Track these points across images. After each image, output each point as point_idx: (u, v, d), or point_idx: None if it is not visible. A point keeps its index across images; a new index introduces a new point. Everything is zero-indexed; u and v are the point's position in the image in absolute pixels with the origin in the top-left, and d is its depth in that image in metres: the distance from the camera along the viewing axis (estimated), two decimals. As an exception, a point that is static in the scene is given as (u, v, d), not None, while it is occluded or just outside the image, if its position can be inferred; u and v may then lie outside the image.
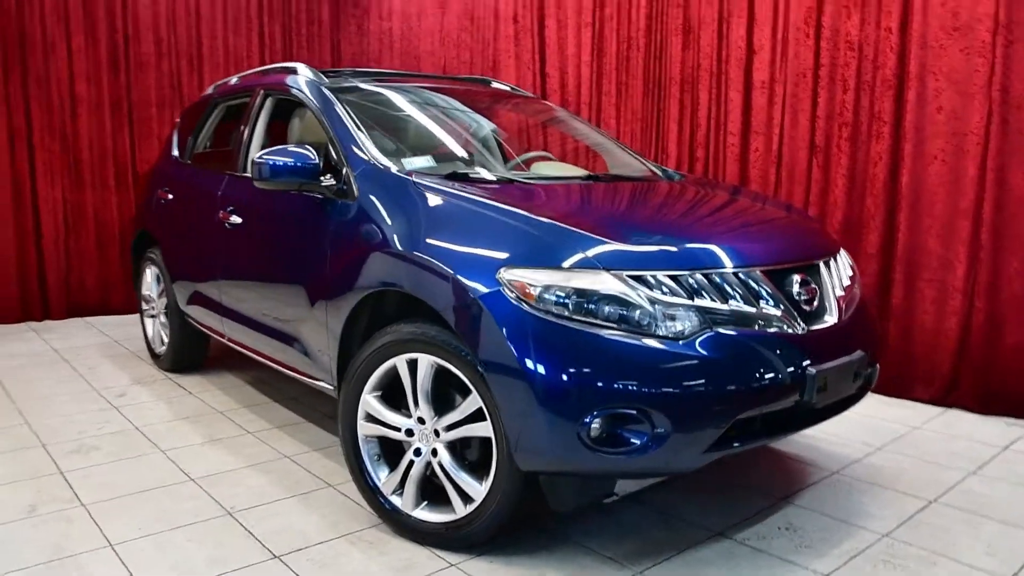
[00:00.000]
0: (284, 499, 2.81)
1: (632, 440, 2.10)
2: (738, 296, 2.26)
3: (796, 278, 2.41)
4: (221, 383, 4.23)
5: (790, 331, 2.30)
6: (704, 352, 2.14)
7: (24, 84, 5.50)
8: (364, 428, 2.56)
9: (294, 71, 3.44)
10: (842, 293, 2.59)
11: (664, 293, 2.18)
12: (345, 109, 3.07)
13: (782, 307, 2.32)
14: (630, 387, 2.06)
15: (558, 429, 2.08)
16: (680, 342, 2.13)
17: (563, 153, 3.78)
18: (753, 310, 2.26)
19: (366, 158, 2.84)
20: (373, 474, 2.58)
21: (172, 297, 4.14)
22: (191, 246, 3.87)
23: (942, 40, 3.81)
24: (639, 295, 2.14)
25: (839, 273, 2.67)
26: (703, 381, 2.11)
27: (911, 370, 4.04)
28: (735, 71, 4.53)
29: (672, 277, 2.21)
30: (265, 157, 2.81)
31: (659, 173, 3.53)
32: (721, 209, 2.90)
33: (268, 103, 3.58)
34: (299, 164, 2.81)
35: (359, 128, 2.98)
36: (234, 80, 4.10)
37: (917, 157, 3.92)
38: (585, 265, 2.18)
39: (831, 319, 2.46)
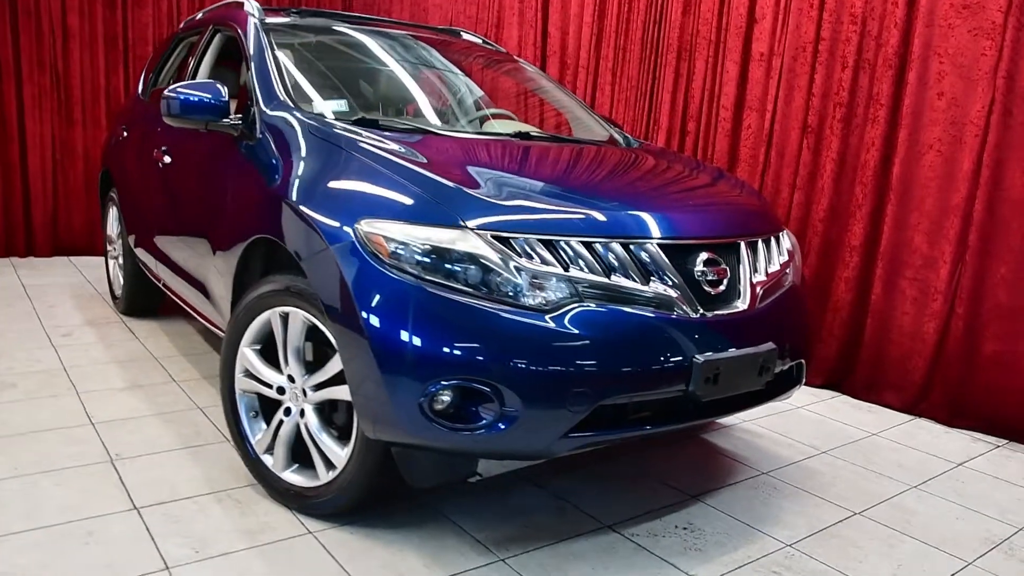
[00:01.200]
0: (174, 450, 2.73)
1: (480, 417, 1.94)
2: (623, 270, 2.07)
3: (702, 256, 2.20)
4: (171, 329, 4.19)
5: (680, 313, 2.11)
6: (567, 327, 1.96)
7: (13, 14, 5.46)
8: (240, 382, 2.46)
9: (240, 5, 3.31)
10: (763, 279, 2.37)
11: (532, 259, 2.00)
12: (271, 47, 2.93)
13: (676, 286, 2.12)
14: (478, 358, 1.90)
15: (399, 398, 1.93)
16: (544, 314, 1.95)
17: (523, 112, 3.57)
18: (637, 286, 2.07)
19: (276, 98, 2.70)
20: (248, 431, 2.47)
21: (125, 238, 4.10)
22: (138, 186, 3.80)
23: (951, 18, 3.46)
24: (501, 259, 1.97)
25: (767, 256, 2.44)
26: (561, 359, 1.93)
27: (883, 374, 3.76)
28: (734, 40, 4.23)
29: (546, 242, 2.03)
30: (173, 91, 2.70)
31: (617, 139, 3.32)
32: (643, 177, 2.68)
33: (216, 39, 3.46)
34: (205, 100, 2.69)
35: (277, 67, 2.85)
36: (199, 15, 3.99)
37: (912, 145, 3.60)
38: (447, 222, 2.01)
39: (741, 305, 2.25)
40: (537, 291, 1.97)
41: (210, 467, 2.61)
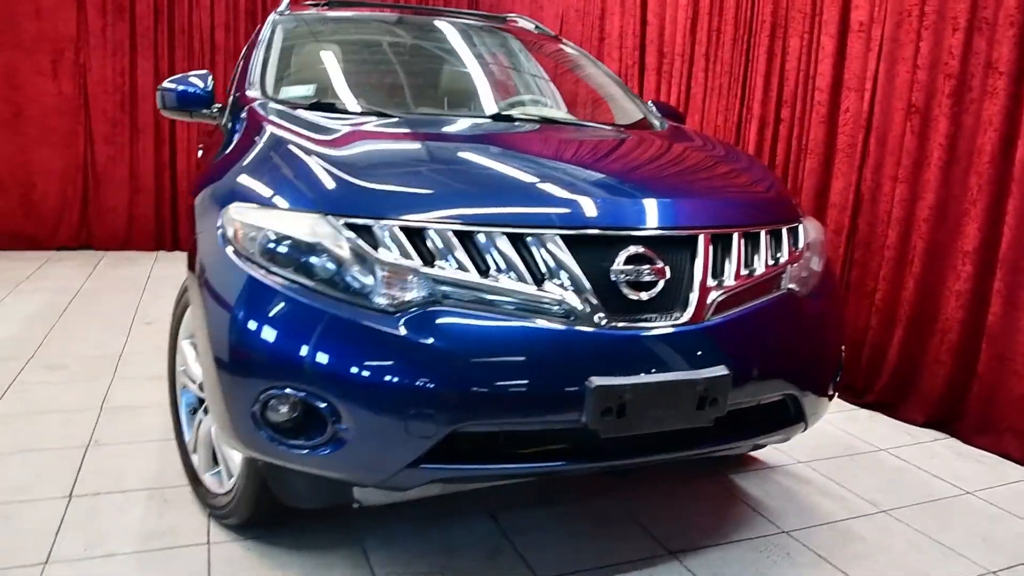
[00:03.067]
0: (153, 441, 2.75)
1: (312, 433, 1.70)
2: (507, 267, 1.72)
3: (626, 252, 1.79)
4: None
5: (577, 324, 1.71)
6: (415, 335, 1.65)
7: (171, 31, 6.08)
8: (179, 377, 2.40)
9: None
10: (732, 283, 1.89)
11: (391, 250, 1.70)
12: (269, 38, 2.88)
13: (578, 289, 1.73)
14: (308, 364, 1.65)
15: (233, 405, 1.74)
16: (392, 317, 1.66)
17: (550, 98, 3.24)
18: (520, 288, 1.70)
19: (252, 85, 2.62)
20: (185, 427, 2.41)
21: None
22: None
23: (1096, -44, 2.67)
24: (352, 250, 1.70)
25: (749, 254, 1.96)
26: (404, 372, 1.63)
27: (1001, 414, 2.98)
28: (830, 10, 3.59)
29: (411, 231, 1.72)
30: (164, 85, 2.73)
31: (653, 122, 2.93)
32: (603, 161, 2.26)
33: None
34: (187, 92, 2.69)
35: (266, 57, 2.78)
36: None
37: (1041, 123, 2.82)
38: (303, 206, 1.78)
39: (682, 315, 1.81)
40: (391, 290, 1.68)
41: (171, 463, 2.59)
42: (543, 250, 1.74)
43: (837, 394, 2.34)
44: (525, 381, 1.66)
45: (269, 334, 1.68)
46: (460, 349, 1.66)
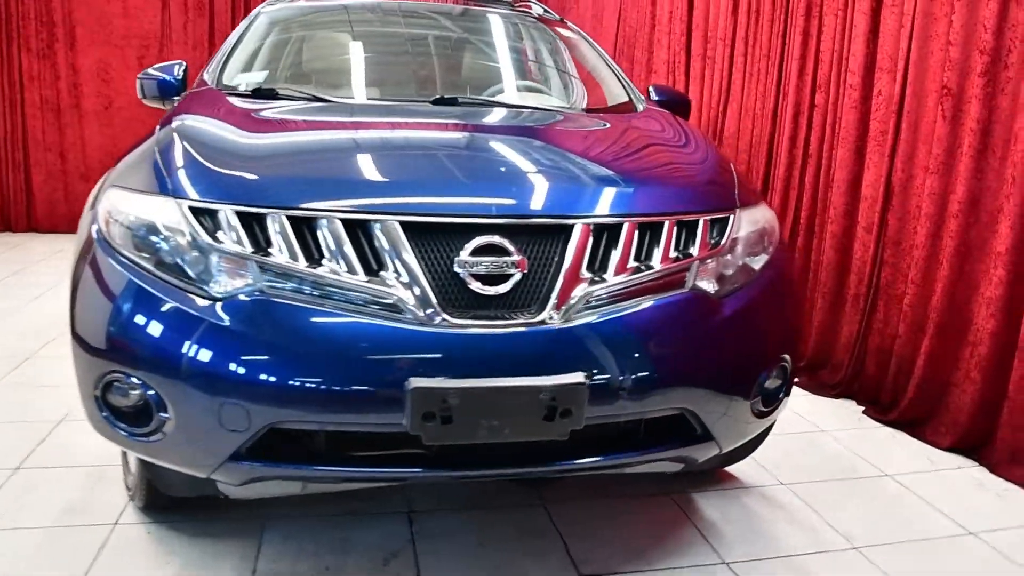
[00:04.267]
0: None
1: (143, 420, 1.67)
2: (339, 254, 1.62)
3: (475, 242, 1.65)
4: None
5: (404, 319, 1.60)
6: (232, 323, 1.60)
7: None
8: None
9: None
10: (610, 280, 1.70)
11: (227, 235, 1.65)
12: (246, 26, 2.94)
13: (412, 281, 1.61)
14: (138, 350, 1.63)
15: (82, 387, 1.75)
16: (214, 305, 1.62)
17: (530, 81, 3.08)
18: (348, 278, 1.61)
19: (209, 73, 2.67)
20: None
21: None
22: None
23: None
24: (191, 234, 1.66)
25: (631, 248, 1.76)
26: (216, 361, 1.58)
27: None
28: (865, -18, 3.23)
29: (249, 216, 1.66)
30: (142, 74, 2.83)
31: (636, 105, 2.76)
32: (504, 143, 2.12)
33: None
34: (163, 80, 2.76)
35: (236, 44, 2.83)
36: None
37: (1083, 102, 2.40)
38: (158, 190, 1.76)
39: (538, 314, 1.65)
40: (223, 277, 1.64)
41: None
42: (382, 239, 1.63)
43: (778, 408, 2.06)
44: (342, 379, 1.57)
45: (108, 316, 1.68)
46: (276, 341, 1.59)
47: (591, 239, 1.71)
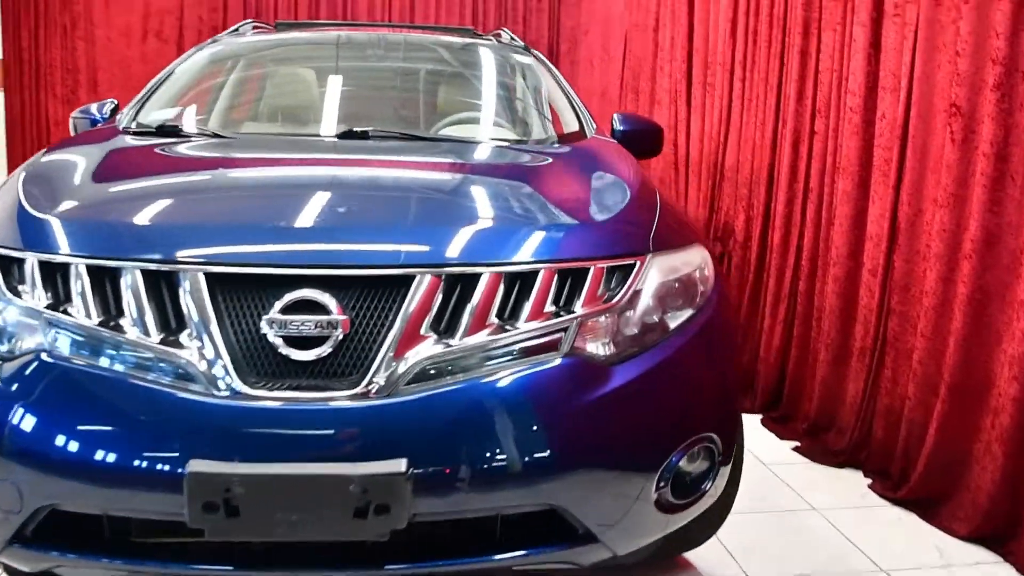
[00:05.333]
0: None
1: None
2: (135, 310, 1.35)
3: (288, 297, 1.34)
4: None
5: (191, 387, 1.31)
6: (10, 389, 1.35)
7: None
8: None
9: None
10: (456, 343, 1.36)
11: (28, 287, 1.41)
12: (178, 64, 2.74)
13: (208, 341, 1.32)
14: None
15: None
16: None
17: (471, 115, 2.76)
18: (138, 338, 1.34)
19: (127, 111, 2.48)
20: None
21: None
22: None
23: None
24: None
25: (491, 303, 1.41)
26: None
27: None
28: (865, -10, 2.84)
29: (51, 266, 1.42)
30: (75, 113, 2.69)
31: (586, 134, 2.42)
32: (368, 183, 1.85)
33: None
34: (89, 119, 2.59)
35: (162, 81, 2.63)
36: None
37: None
38: None
39: (353, 387, 1.32)
40: (17, 333, 1.39)
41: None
42: (186, 293, 1.34)
43: (730, 493, 1.66)
44: (117, 457, 1.26)
45: None
46: (50, 410, 1.32)
47: (439, 294, 1.39)
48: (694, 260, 1.66)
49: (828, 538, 2.40)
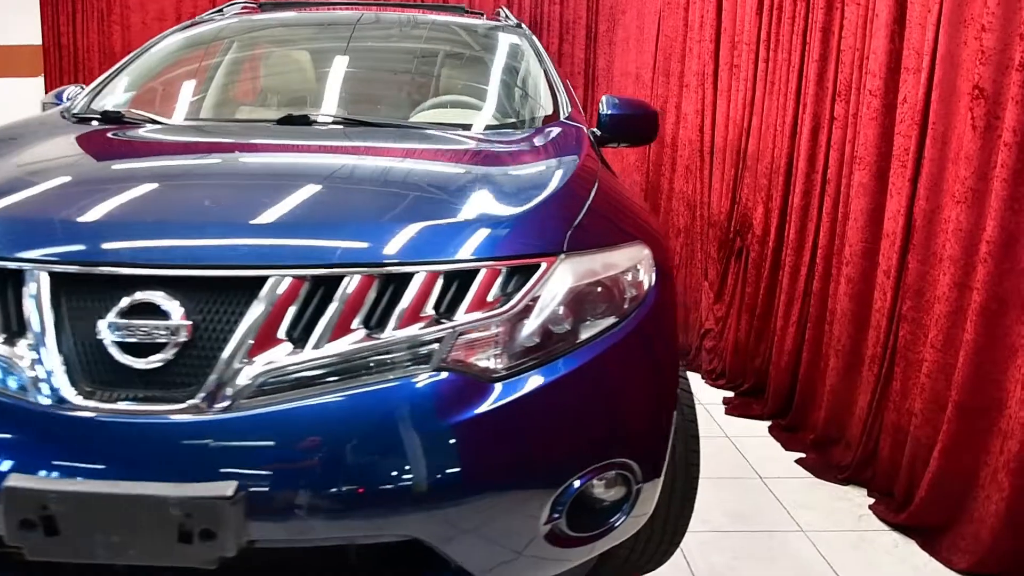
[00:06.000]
0: None
1: None
2: None
3: (127, 300, 1.22)
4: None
5: (22, 393, 1.20)
6: None
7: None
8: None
9: None
10: (310, 354, 1.22)
11: None
12: (151, 45, 2.64)
13: (38, 345, 1.21)
14: None
15: None
16: None
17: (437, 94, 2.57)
18: None
19: (84, 96, 2.38)
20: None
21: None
22: None
23: None
24: None
25: (358, 308, 1.26)
26: None
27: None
28: (892, -39, 2.55)
29: None
30: (44, 99, 2.64)
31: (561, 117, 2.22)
32: (271, 175, 1.70)
33: None
34: (52, 102, 2.51)
35: (129, 63, 2.52)
36: None
37: None
38: None
39: (188, 399, 1.19)
40: None
41: None
42: (28, 293, 1.23)
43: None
44: None
45: None
46: None
47: (298, 297, 1.24)
48: (622, 261, 1.46)
49: (809, 565, 2.18)
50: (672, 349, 1.58)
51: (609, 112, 2.42)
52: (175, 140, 1.99)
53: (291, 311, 1.22)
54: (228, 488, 1.12)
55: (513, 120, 2.29)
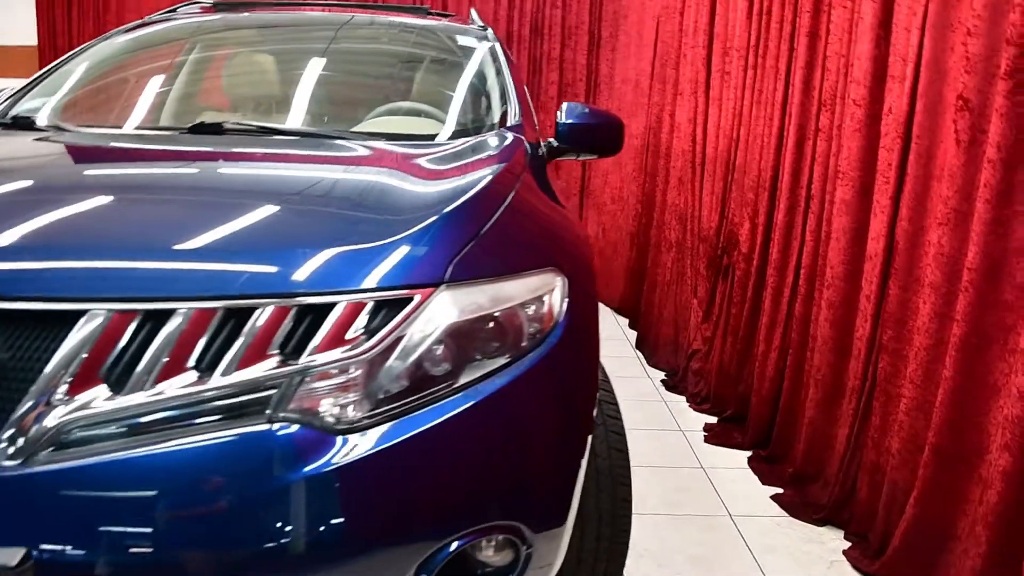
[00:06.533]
0: None
1: None
2: None
3: None
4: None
5: None
6: None
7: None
8: None
9: None
10: (120, 404, 1.06)
11: None
12: (87, 47, 2.51)
13: None
14: None
15: None
16: None
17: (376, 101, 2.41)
18: None
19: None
20: None
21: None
22: None
23: None
24: None
25: (195, 347, 1.10)
26: None
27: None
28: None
29: None
30: None
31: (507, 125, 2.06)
32: (133, 189, 1.51)
33: None
34: None
35: (59, 66, 2.41)
36: None
37: None
38: None
39: None
40: None
41: None
42: None
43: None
44: None
45: None
46: None
47: (123, 334, 1.08)
48: (520, 293, 1.27)
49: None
50: (586, 390, 1.40)
51: (567, 121, 2.24)
52: (53, 149, 1.82)
53: (114, 350, 1.06)
54: (14, 556, 0.96)
55: (453, 129, 2.12)
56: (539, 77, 6.20)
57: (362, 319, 1.14)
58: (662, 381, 3.88)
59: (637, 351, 4.45)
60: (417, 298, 1.17)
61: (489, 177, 1.51)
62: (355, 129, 2.15)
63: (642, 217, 4.66)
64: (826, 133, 2.63)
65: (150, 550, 1.01)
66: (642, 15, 5.14)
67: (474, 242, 1.29)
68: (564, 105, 2.33)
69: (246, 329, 1.09)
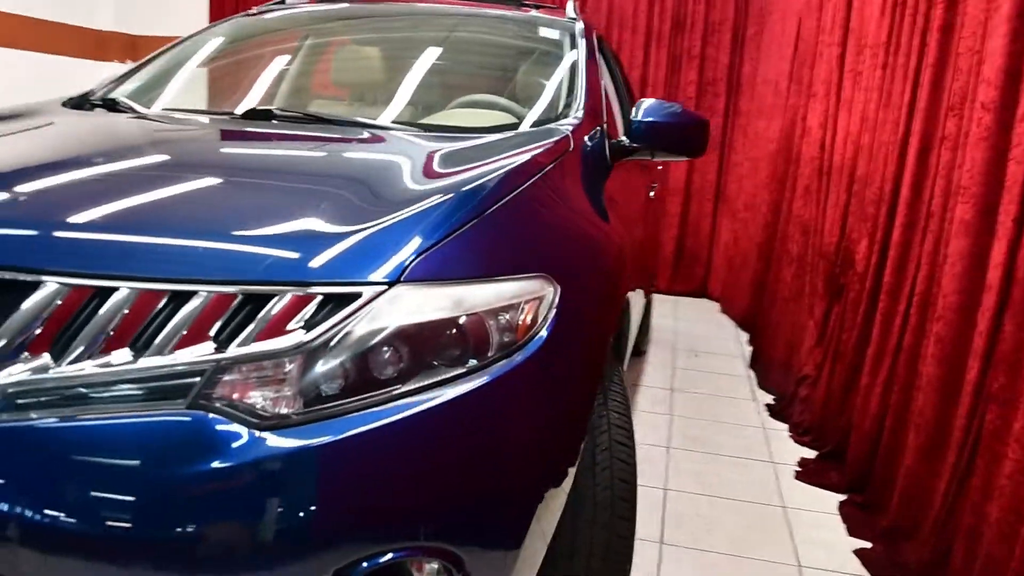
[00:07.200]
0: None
1: None
2: None
3: None
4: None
5: None
6: None
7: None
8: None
9: None
10: (29, 379, 1.05)
11: None
12: (192, 35, 2.62)
13: None
14: None
15: None
16: None
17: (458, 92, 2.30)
18: None
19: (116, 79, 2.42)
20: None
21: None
22: None
23: None
24: None
25: (143, 327, 1.08)
26: None
27: None
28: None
29: None
30: None
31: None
32: (149, 173, 1.47)
33: None
34: None
35: (165, 52, 2.52)
36: None
37: None
38: None
39: None
40: None
41: None
42: None
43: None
44: None
45: None
46: None
47: (81, 308, 1.08)
48: (489, 299, 1.16)
49: None
50: (568, 411, 1.27)
51: (641, 119, 2.08)
52: (101, 128, 1.86)
53: (64, 323, 1.06)
54: None
55: (503, 123, 2.01)
56: (678, 76, 5.92)
57: (307, 312, 1.08)
58: (767, 406, 3.58)
59: (750, 370, 4.15)
60: (365, 295, 1.09)
61: (489, 175, 1.40)
62: (423, 121, 2.11)
63: (770, 227, 4.33)
64: (952, 141, 2.28)
65: (50, 518, 0.99)
66: (785, 12, 4.78)
67: (444, 241, 1.19)
68: (641, 101, 2.17)
69: (183, 313, 1.06)
